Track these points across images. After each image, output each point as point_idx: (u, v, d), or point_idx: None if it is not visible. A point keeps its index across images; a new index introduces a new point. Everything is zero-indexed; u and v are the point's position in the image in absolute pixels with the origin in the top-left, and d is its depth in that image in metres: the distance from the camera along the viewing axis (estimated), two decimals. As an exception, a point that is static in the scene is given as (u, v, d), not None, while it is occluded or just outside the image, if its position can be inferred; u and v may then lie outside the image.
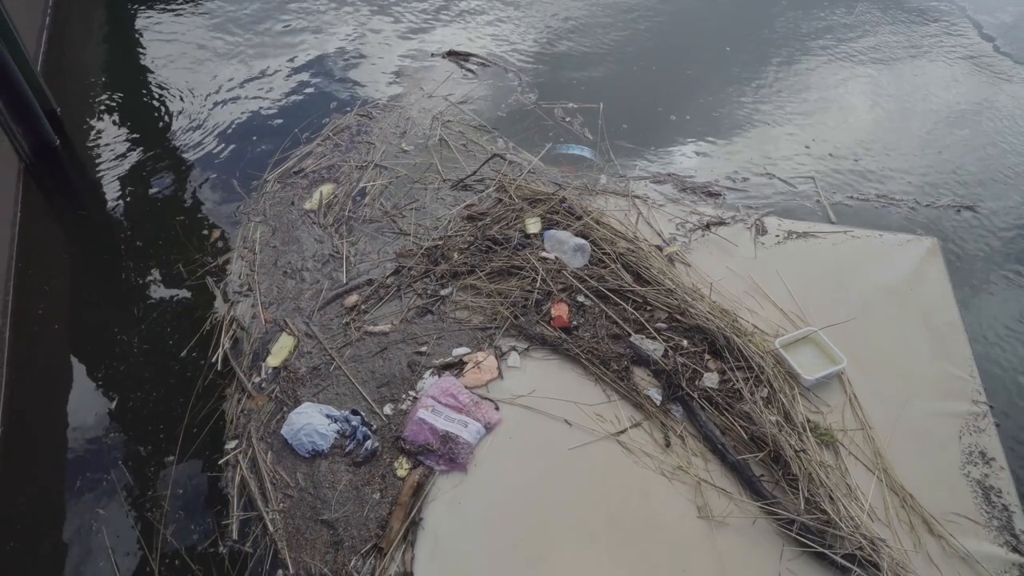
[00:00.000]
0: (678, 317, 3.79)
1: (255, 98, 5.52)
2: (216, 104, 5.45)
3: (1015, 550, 3.05)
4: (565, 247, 4.11)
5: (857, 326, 3.83)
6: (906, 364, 3.73)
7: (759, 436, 3.32)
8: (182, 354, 3.74)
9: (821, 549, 2.95)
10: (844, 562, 2.90)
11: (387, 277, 4.11)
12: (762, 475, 3.23)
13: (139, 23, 6.37)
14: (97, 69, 5.88)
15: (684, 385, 3.51)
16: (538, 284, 3.96)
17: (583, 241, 4.10)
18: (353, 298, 3.98)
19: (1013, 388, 3.70)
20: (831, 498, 3.11)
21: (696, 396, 3.49)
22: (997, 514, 3.17)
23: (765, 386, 3.52)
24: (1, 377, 3.63)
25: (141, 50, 6.04)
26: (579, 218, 4.32)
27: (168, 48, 6.06)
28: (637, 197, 4.62)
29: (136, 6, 6.56)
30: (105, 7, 6.64)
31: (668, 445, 3.38)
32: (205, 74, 5.77)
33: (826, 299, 4.00)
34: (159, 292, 4.08)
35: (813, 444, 3.32)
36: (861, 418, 3.49)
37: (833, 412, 3.52)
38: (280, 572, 2.95)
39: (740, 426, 3.38)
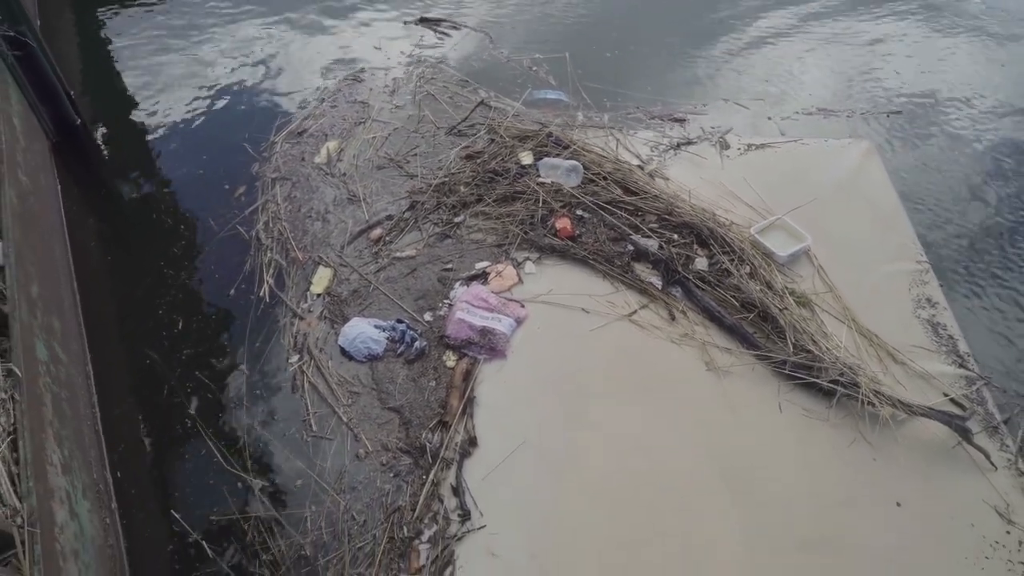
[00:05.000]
0: (667, 217, 4.37)
1: (246, 68, 5.85)
2: (209, 81, 5.75)
3: (961, 367, 3.75)
4: (559, 170, 4.63)
5: (816, 214, 4.47)
6: (859, 238, 4.40)
7: (748, 302, 3.93)
8: (231, 291, 4.13)
9: (811, 379, 3.57)
10: (830, 386, 3.52)
11: (404, 212, 4.56)
12: (755, 332, 3.84)
13: (125, 12, 6.59)
14: (90, 57, 6.11)
15: (680, 270, 4.09)
16: (540, 204, 4.47)
17: (575, 162, 4.63)
18: (377, 231, 4.42)
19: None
20: (813, 341, 3.74)
21: (691, 278, 4.07)
22: (945, 342, 3.86)
23: (747, 264, 4.14)
24: (76, 306, 3.99)
25: (126, 40, 6.27)
26: (566, 147, 4.84)
27: (153, 33, 6.32)
28: (612, 128, 5.17)
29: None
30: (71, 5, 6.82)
31: (673, 319, 3.95)
32: (193, 54, 6.06)
33: (787, 195, 4.62)
34: (196, 239, 4.45)
35: (793, 304, 3.95)
36: (828, 283, 4.14)
37: (805, 281, 4.16)
38: (360, 450, 3.41)
39: (731, 296, 3.98)
